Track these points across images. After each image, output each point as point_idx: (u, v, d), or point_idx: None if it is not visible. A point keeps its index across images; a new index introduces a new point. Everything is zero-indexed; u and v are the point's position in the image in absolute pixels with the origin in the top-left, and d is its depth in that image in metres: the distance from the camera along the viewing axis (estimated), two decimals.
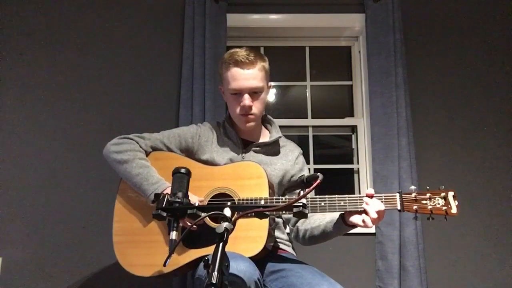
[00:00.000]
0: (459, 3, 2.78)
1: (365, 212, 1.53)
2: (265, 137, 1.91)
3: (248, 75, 1.74)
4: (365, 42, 2.71)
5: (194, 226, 1.56)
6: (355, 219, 1.55)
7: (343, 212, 1.60)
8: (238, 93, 1.76)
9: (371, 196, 1.54)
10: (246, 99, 1.75)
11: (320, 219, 1.73)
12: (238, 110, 1.77)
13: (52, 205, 2.42)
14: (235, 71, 1.75)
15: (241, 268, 1.35)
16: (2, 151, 2.47)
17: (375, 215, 1.51)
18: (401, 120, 2.49)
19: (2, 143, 2.48)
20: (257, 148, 1.85)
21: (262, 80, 1.77)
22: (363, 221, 1.53)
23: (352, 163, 2.82)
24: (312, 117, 2.86)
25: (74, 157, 2.49)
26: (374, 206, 1.52)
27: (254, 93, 1.77)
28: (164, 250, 1.64)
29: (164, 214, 1.26)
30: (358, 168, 2.75)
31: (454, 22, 2.75)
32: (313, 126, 2.84)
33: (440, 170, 2.56)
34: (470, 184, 2.54)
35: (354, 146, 2.83)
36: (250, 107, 1.76)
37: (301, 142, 2.76)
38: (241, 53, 1.75)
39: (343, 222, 1.61)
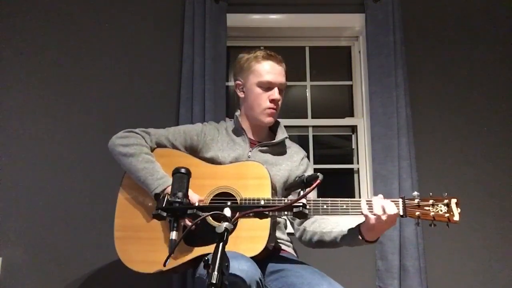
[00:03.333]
0: (459, 3, 2.78)
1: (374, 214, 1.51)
2: (271, 137, 1.92)
3: (281, 71, 1.82)
4: (365, 42, 2.71)
5: (194, 226, 1.57)
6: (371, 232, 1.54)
7: (359, 223, 1.59)
8: (268, 87, 1.79)
9: None
10: (276, 93, 1.80)
11: (332, 225, 1.70)
12: (266, 103, 1.80)
13: (52, 205, 2.42)
14: (269, 65, 1.80)
15: (242, 267, 1.36)
16: (2, 150, 2.46)
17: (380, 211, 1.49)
18: (401, 120, 2.49)
19: (2, 142, 2.47)
20: (264, 148, 1.85)
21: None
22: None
23: (352, 163, 2.82)
24: (312, 117, 2.86)
25: (74, 156, 2.48)
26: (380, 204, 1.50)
27: (280, 90, 1.82)
28: (165, 247, 1.63)
29: (164, 214, 1.26)
30: (358, 168, 2.75)
31: (454, 22, 2.75)
32: (313, 126, 2.84)
33: (440, 170, 2.56)
34: (470, 183, 2.53)
35: (354, 146, 2.83)
36: (278, 101, 1.81)
37: (301, 142, 2.76)
38: (268, 51, 1.83)
39: (361, 237, 1.57)
